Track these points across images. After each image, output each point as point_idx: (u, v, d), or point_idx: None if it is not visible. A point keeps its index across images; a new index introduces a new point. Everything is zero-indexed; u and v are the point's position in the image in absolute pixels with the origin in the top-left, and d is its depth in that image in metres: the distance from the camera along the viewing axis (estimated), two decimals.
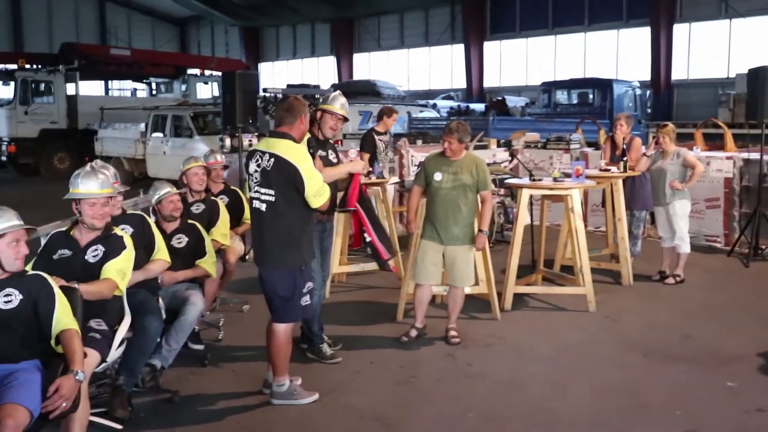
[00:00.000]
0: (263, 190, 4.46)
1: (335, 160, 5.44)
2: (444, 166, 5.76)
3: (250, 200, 4.61)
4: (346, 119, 5.56)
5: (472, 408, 4.64)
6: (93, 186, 4.15)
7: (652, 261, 8.18)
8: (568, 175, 7.17)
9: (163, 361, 4.81)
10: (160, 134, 16.19)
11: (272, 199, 4.43)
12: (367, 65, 36.91)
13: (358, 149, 8.48)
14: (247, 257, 7.05)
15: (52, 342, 3.53)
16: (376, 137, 8.63)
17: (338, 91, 5.53)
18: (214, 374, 5.19)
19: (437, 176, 5.75)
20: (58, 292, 3.60)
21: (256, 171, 4.49)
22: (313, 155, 4.80)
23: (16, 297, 3.51)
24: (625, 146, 7.94)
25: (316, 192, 4.37)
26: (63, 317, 3.53)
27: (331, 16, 36.44)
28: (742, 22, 25.02)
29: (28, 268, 3.78)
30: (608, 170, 7.81)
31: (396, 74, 33.28)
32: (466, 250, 5.81)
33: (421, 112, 20.33)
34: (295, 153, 4.41)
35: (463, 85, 32.16)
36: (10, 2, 38.50)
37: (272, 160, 4.42)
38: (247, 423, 4.43)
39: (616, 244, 7.96)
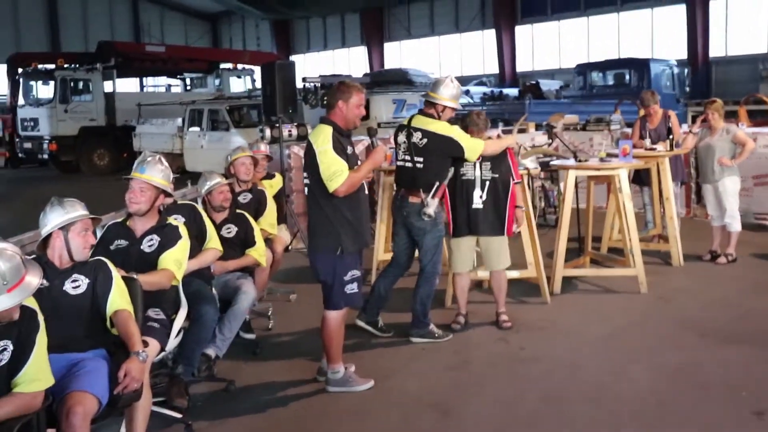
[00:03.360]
0: (305, 174, 4.55)
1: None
2: None
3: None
4: None
5: (530, 390, 4.60)
6: (147, 170, 4.22)
7: (700, 241, 8.01)
8: (613, 155, 7.05)
9: (217, 350, 4.80)
10: (197, 128, 16.28)
11: (308, 181, 4.55)
12: (398, 54, 36.71)
13: None
14: (290, 247, 7.05)
15: (107, 323, 3.55)
16: None
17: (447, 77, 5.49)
18: (267, 363, 5.20)
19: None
20: (116, 276, 3.62)
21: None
22: None
23: (83, 282, 3.54)
24: (669, 125, 7.81)
25: (328, 176, 4.36)
26: (117, 298, 3.55)
27: (361, 6, 36.31)
28: None
29: None
30: (653, 149, 7.67)
31: (427, 62, 33.05)
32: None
33: None
34: (317, 135, 4.48)
35: (495, 70, 31.83)
36: (47, 3, 39.11)
37: (307, 144, 4.56)
38: (305, 411, 4.44)
39: (664, 225, 7.82)
